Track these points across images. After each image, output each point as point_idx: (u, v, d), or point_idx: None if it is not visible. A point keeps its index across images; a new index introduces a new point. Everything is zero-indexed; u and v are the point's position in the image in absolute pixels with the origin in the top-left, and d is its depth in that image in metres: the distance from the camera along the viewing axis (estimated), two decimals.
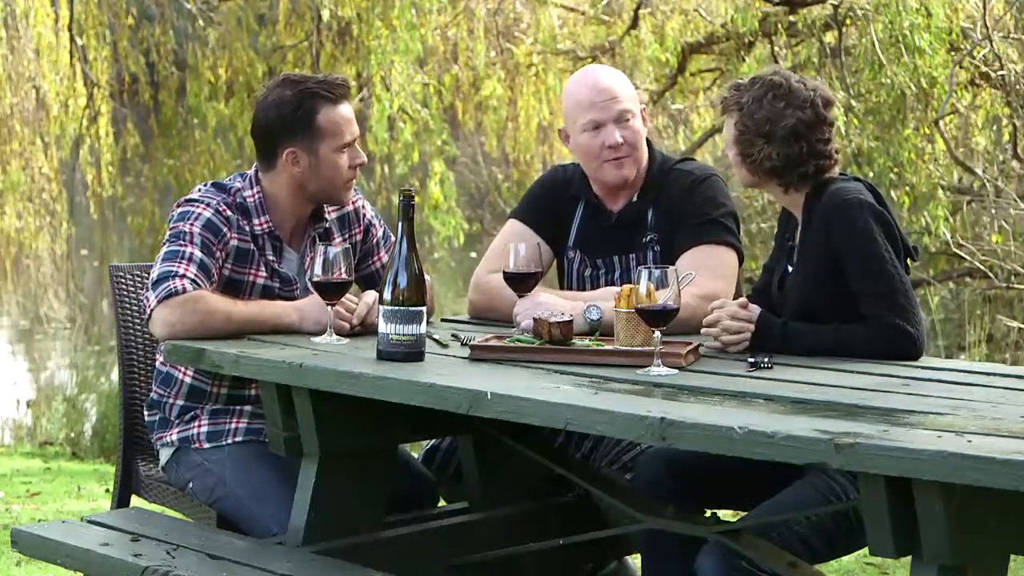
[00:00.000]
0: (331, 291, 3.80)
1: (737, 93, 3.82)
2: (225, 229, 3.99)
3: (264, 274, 4.04)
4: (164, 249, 3.94)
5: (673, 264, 4.08)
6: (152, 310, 3.86)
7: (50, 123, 11.42)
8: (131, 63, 12.19)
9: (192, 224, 3.96)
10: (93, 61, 11.52)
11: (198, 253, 3.92)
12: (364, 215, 4.25)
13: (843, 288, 3.67)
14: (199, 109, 11.87)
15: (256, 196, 4.06)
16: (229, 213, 4.01)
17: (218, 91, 11.83)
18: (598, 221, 4.30)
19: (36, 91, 11.37)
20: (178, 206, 4.04)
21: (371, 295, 3.97)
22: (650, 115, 4.51)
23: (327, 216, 4.15)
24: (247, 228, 4.03)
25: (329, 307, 3.82)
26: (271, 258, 4.06)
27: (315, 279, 3.81)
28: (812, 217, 3.77)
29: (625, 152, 4.19)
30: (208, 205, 4.00)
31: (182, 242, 3.93)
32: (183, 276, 3.86)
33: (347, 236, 4.19)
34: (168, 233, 3.99)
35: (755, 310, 3.69)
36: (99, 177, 11.83)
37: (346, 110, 4.04)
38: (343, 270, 3.79)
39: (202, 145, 12.05)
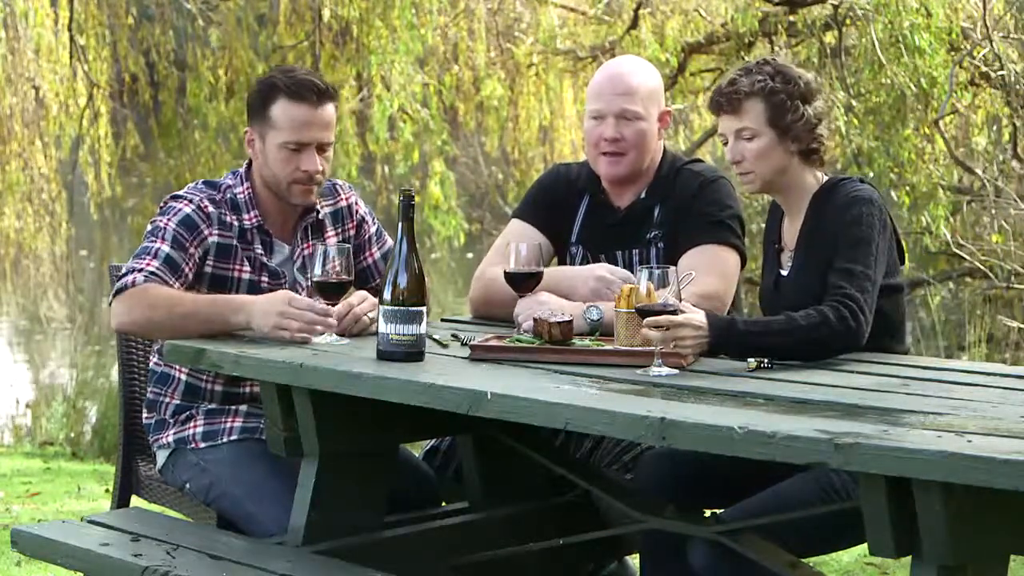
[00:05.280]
0: (331, 291, 3.81)
1: (745, 80, 3.77)
2: (203, 226, 4.01)
3: (248, 269, 4.05)
4: (141, 245, 4.00)
5: (675, 262, 4.10)
6: (111, 303, 3.93)
7: (50, 123, 11.41)
8: (131, 63, 12.18)
9: (169, 220, 4.00)
10: (93, 61, 11.51)
11: (165, 248, 3.95)
12: (357, 211, 4.25)
13: None
14: (199, 109, 11.87)
15: (246, 191, 4.08)
16: (211, 209, 4.03)
17: (218, 91, 11.82)
18: (603, 216, 4.29)
19: (36, 91, 11.36)
20: (164, 202, 4.08)
21: (357, 296, 3.96)
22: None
23: (320, 208, 4.15)
24: (234, 223, 4.05)
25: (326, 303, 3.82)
26: (259, 252, 4.07)
27: (316, 279, 3.81)
28: (821, 216, 3.76)
29: (620, 149, 4.19)
30: (190, 201, 4.03)
31: (153, 238, 3.98)
32: (141, 271, 3.91)
33: (340, 230, 4.19)
34: (148, 227, 4.04)
35: (702, 319, 3.52)
36: (99, 177, 11.82)
37: (305, 112, 3.99)
38: (343, 270, 3.79)
39: (202, 145, 12.05)
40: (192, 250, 3.98)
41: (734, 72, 3.84)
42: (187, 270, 3.97)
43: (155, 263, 3.92)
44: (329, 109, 4.04)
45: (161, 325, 3.86)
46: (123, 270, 3.95)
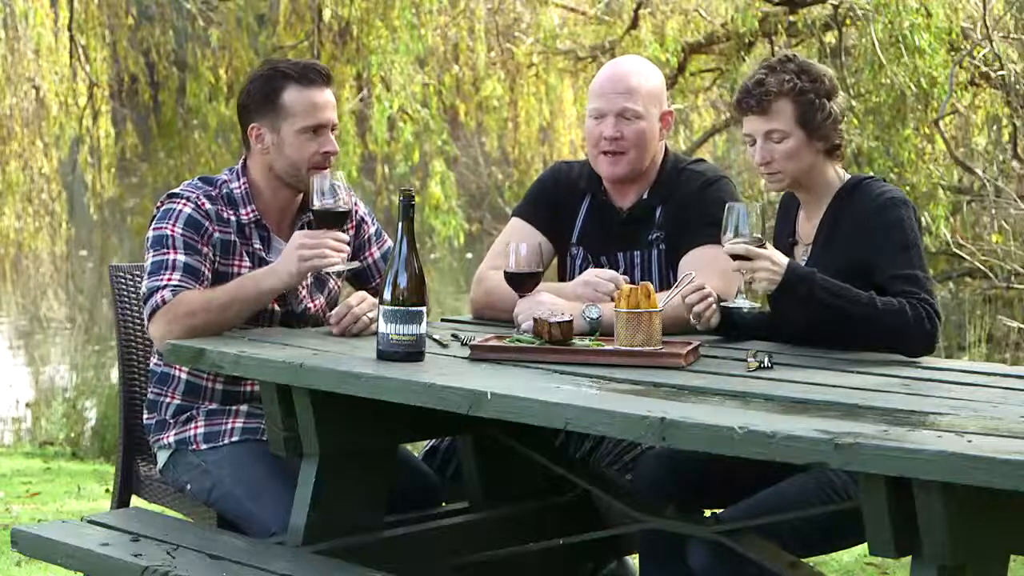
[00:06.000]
0: (331, 220, 3.86)
1: (772, 80, 3.75)
2: (206, 223, 4.01)
3: (248, 264, 4.05)
4: (149, 259, 3.97)
5: (676, 263, 4.11)
6: (147, 329, 3.94)
7: (50, 123, 11.41)
8: (131, 63, 12.19)
9: (173, 225, 3.99)
10: (93, 61, 11.51)
11: (181, 257, 3.94)
12: (356, 211, 4.25)
13: (864, 284, 3.67)
14: (199, 109, 11.88)
15: (242, 187, 4.09)
16: (208, 206, 4.03)
17: (218, 91, 11.84)
18: (605, 217, 4.29)
19: (36, 91, 11.36)
20: (161, 203, 4.07)
21: (356, 297, 3.97)
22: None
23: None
24: (232, 219, 4.06)
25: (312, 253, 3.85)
26: (258, 247, 4.08)
27: (315, 207, 3.86)
28: (846, 213, 3.77)
29: (620, 148, 4.18)
30: (188, 200, 4.03)
31: (164, 249, 3.96)
32: (164, 287, 3.90)
33: (339, 229, 4.19)
34: (151, 235, 4.01)
35: (783, 259, 3.67)
36: (99, 177, 11.83)
37: (317, 95, 4.03)
38: (343, 199, 3.85)
39: (202, 145, 12.06)
40: (205, 249, 3.99)
41: (758, 71, 3.82)
42: (206, 270, 3.98)
43: (176, 275, 3.92)
44: (331, 91, 4.10)
45: (205, 326, 3.87)
46: (144, 291, 3.93)
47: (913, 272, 3.65)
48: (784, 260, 3.64)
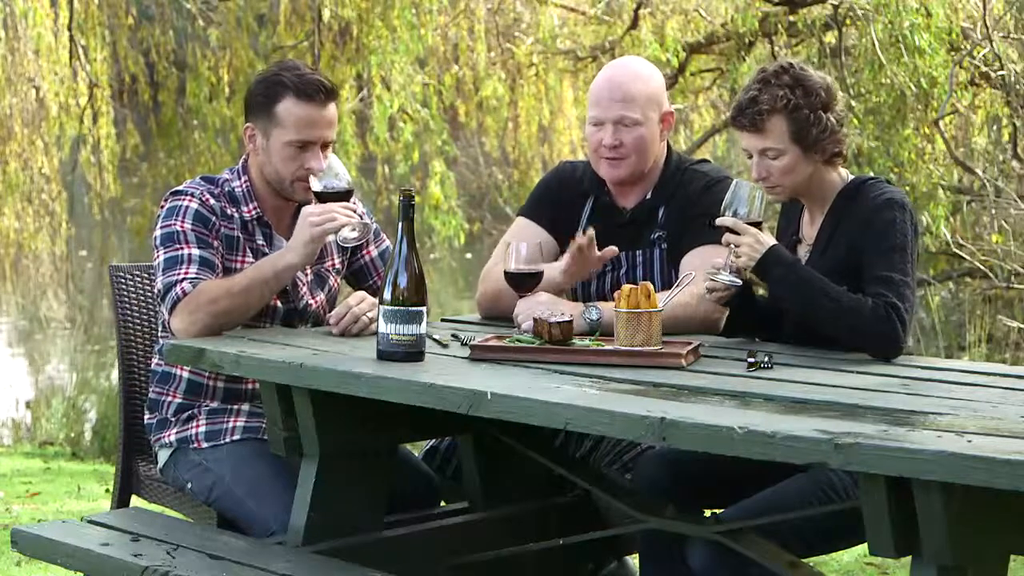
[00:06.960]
0: (333, 200, 3.89)
1: (766, 96, 3.73)
2: (213, 218, 4.02)
3: (252, 260, 4.05)
4: (162, 256, 3.96)
5: (678, 263, 4.11)
6: (169, 324, 3.93)
7: (50, 123, 11.41)
8: (131, 63, 12.19)
9: (182, 221, 3.99)
10: (93, 61, 11.51)
11: (195, 251, 3.94)
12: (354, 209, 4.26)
13: (859, 283, 3.67)
14: (199, 109, 11.88)
15: (244, 185, 4.10)
16: (213, 202, 4.04)
17: (218, 91, 11.83)
18: (609, 217, 4.28)
19: (36, 91, 11.36)
20: (165, 200, 4.07)
21: (355, 297, 3.97)
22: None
23: None
24: (235, 216, 4.07)
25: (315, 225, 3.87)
26: (261, 243, 4.08)
27: (316, 190, 3.90)
28: (847, 214, 3.77)
29: (620, 154, 4.18)
30: (193, 196, 4.03)
31: (176, 245, 3.96)
32: (183, 280, 3.91)
33: None
34: (160, 233, 4.00)
35: (769, 240, 3.72)
36: (100, 177, 11.83)
37: (312, 111, 4.00)
38: (343, 178, 3.90)
39: (202, 145, 12.06)
40: (215, 243, 4.01)
41: (753, 84, 3.78)
42: (219, 262, 4.00)
43: (193, 268, 3.92)
44: (333, 108, 4.07)
45: (228, 312, 3.88)
46: (160, 287, 3.93)
47: (890, 274, 3.64)
48: (769, 241, 3.69)
